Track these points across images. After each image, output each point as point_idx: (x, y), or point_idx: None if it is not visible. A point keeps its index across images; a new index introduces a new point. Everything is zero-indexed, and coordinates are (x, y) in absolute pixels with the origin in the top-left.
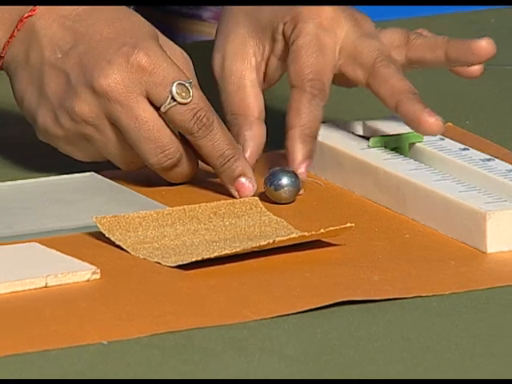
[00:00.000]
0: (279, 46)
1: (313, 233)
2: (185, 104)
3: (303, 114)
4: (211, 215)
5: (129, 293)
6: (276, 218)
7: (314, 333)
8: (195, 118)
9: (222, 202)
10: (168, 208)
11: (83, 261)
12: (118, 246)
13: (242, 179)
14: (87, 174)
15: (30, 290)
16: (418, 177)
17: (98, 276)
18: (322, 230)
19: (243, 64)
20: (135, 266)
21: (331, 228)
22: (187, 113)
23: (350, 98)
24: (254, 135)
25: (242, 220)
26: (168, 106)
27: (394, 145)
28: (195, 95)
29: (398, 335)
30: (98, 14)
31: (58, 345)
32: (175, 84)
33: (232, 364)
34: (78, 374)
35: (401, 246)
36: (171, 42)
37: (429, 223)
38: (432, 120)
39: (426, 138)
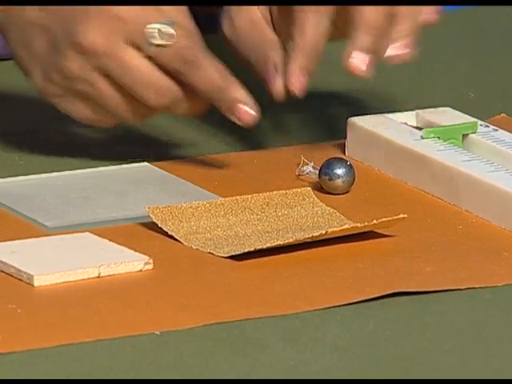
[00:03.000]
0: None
1: (366, 224)
2: (168, 45)
3: (308, 28)
4: (264, 206)
5: (181, 283)
6: (329, 208)
7: (366, 324)
8: (179, 57)
9: (275, 192)
10: (221, 198)
11: (136, 251)
12: (171, 236)
13: (241, 106)
14: (141, 164)
15: (82, 279)
16: (472, 168)
17: (150, 266)
18: (374, 221)
19: (250, 10)
20: (188, 256)
21: (384, 219)
22: (171, 54)
23: (404, 89)
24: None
25: (294, 211)
26: (152, 50)
27: (448, 136)
28: (178, 34)
29: (450, 327)
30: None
31: (110, 335)
32: (151, 28)
33: (284, 355)
34: (130, 363)
35: (454, 237)
36: None
37: (482, 214)
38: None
39: (479, 129)
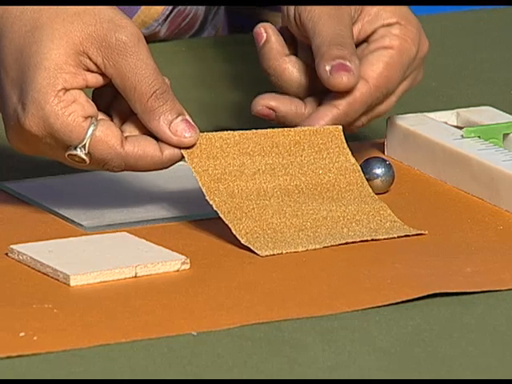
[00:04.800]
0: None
1: (385, 237)
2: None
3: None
4: (291, 144)
5: (219, 283)
6: (353, 161)
7: (405, 325)
8: (104, 169)
9: (306, 128)
10: (252, 130)
11: (173, 251)
12: (206, 231)
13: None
14: (177, 163)
15: (119, 279)
16: None
17: (187, 266)
18: (395, 236)
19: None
20: (225, 255)
21: (406, 232)
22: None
23: (444, 87)
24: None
25: (319, 157)
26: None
27: (488, 135)
28: (91, 155)
29: (490, 328)
30: (8, 37)
31: (147, 335)
32: (67, 155)
33: (322, 356)
34: (166, 364)
35: (494, 237)
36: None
37: None
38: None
39: None
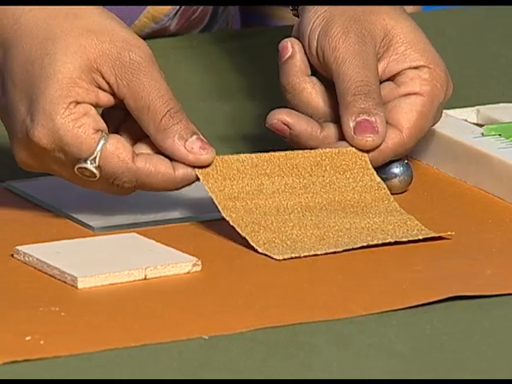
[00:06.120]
0: None
1: (409, 238)
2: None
3: None
4: (313, 166)
5: (230, 286)
6: (378, 180)
7: (423, 329)
8: (113, 185)
9: (328, 150)
10: (270, 152)
11: (184, 252)
12: (217, 232)
13: (190, 175)
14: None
15: (128, 282)
16: None
17: (198, 268)
18: (420, 237)
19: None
20: (237, 257)
21: (430, 235)
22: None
23: (465, 84)
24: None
25: (343, 178)
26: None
27: (510, 133)
28: (101, 169)
29: (511, 331)
30: (19, 48)
31: (157, 339)
32: (76, 168)
33: (338, 360)
34: (177, 369)
35: None
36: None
37: None
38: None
39: None
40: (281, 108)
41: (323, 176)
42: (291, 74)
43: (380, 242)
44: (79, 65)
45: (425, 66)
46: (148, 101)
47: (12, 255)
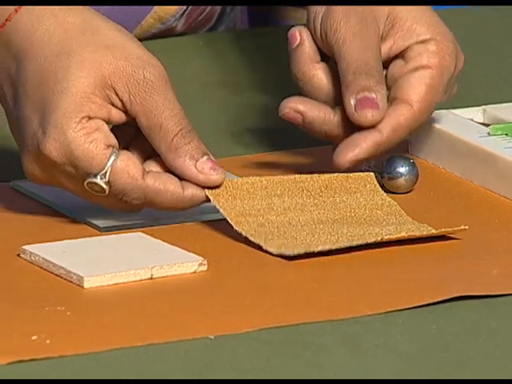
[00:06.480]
0: None
1: (423, 232)
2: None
3: None
4: (322, 188)
5: (237, 285)
6: (389, 199)
7: (429, 329)
8: (122, 201)
9: (336, 174)
10: (279, 176)
11: (190, 252)
12: (223, 232)
13: (200, 198)
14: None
15: (134, 281)
16: None
17: (205, 268)
18: (433, 231)
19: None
20: (243, 257)
21: (444, 229)
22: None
23: (471, 83)
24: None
25: (353, 198)
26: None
27: None
28: (111, 185)
29: None
30: (32, 60)
31: (163, 339)
32: (86, 183)
33: (344, 360)
34: (183, 368)
35: None
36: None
37: None
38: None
39: None
40: (292, 96)
41: (333, 197)
42: (301, 62)
43: (394, 236)
44: (93, 80)
45: (431, 39)
46: (160, 119)
47: (18, 255)
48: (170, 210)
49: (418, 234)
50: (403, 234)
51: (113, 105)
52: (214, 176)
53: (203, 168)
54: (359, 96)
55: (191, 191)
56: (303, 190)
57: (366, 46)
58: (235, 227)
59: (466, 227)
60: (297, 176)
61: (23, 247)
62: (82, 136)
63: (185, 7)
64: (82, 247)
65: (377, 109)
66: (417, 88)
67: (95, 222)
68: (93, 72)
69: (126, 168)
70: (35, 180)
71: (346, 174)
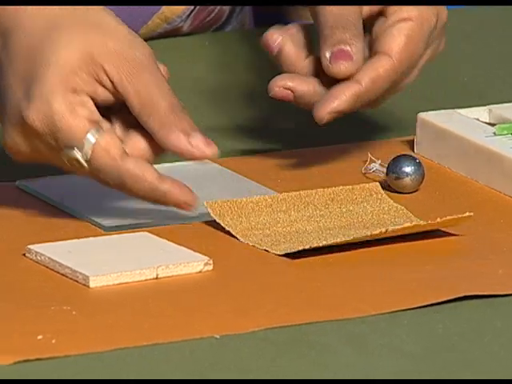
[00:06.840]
0: None
1: (429, 222)
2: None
3: None
4: (328, 201)
5: (242, 285)
6: (396, 205)
7: (434, 328)
8: (99, 178)
9: (341, 187)
10: (283, 193)
11: (195, 251)
12: (229, 233)
13: (179, 197)
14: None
15: (140, 281)
16: None
17: (210, 267)
18: (438, 219)
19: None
20: (249, 256)
21: (449, 217)
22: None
23: (477, 83)
24: None
25: (360, 207)
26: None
27: None
28: (91, 162)
29: None
30: (21, 33)
31: (168, 338)
32: (66, 158)
33: (350, 360)
34: (188, 368)
35: None
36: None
37: None
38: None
39: None
40: (280, 74)
41: (339, 207)
42: (288, 66)
43: (399, 227)
44: (82, 56)
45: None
46: (152, 97)
47: (24, 254)
48: (141, 199)
49: (422, 224)
50: (408, 225)
51: (100, 83)
52: (208, 150)
53: (198, 144)
54: (335, 49)
55: (167, 187)
56: (309, 204)
57: (345, 6)
58: (242, 240)
59: (471, 214)
60: (302, 192)
61: (29, 247)
62: (66, 108)
63: (192, 8)
64: (88, 247)
65: (350, 60)
66: (396, 39)
67: (101, 221)
68: (82, 48)
69: (106, 147)
70: (15, 153)
71: (351, 186)
